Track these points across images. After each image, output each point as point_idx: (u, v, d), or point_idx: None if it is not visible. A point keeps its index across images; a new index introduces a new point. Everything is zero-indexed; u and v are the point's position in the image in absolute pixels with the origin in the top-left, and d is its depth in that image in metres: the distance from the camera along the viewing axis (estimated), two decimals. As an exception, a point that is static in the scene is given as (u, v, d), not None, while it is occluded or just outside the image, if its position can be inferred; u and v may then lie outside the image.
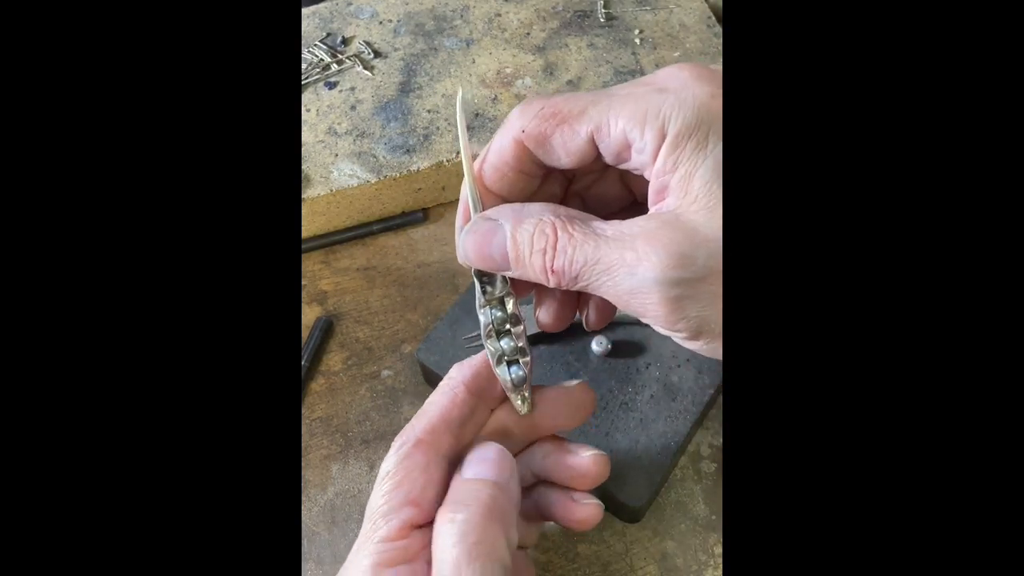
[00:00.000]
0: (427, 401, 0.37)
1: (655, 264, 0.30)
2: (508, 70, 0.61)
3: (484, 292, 0.36)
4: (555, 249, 0.32)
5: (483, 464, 0.34)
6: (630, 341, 0.48)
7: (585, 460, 0.37)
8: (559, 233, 0.32)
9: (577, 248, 0.31)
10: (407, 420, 0.37)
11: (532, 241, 0.32)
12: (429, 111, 0.59)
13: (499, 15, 0.64)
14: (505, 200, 0.36)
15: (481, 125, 0.58)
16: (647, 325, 0.48)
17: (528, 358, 0.36)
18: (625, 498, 0.43)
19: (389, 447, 0.35)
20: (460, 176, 0.57)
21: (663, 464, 0.44)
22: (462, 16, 0.64)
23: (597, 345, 0.47)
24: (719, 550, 0.44)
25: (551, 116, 0.33)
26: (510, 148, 0.34)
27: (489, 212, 0.34)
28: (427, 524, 0.34)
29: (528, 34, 0.63)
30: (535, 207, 0.34)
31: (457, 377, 0.37)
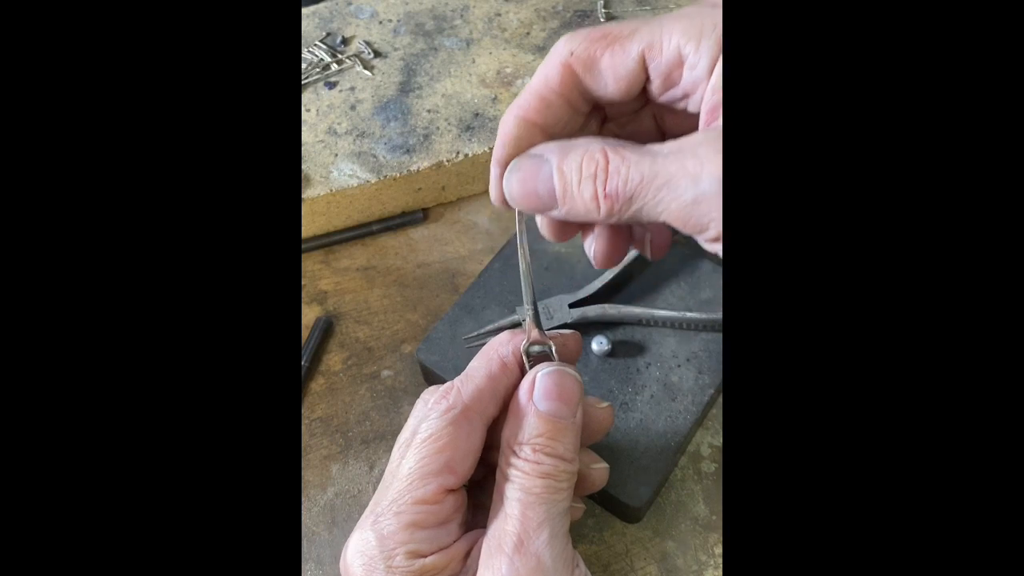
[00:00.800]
0: (472, 366, 0.36)
1: (720, 165, 0.28)
2: (508, 70, 0.61)
3: (529, 358, 0.36)
4: (607, 172, 0.30)
5: (559, 401, 0.34)
6: (630, 341, 0.48)
7: (601, 411, 0.37)
8: (610, 156, 0.30)
9: (632, 167, 0.29)
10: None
11: (581, 168, 0.31)
12: (429, 111, 0.59)
13: (499, 15, 0.64)
14: (549, 136, 0.34)
15: (481, 125, 0.58)
16: (647, 324, 0.48)
17: None
18: (625, 498, 0.43)
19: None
20: (459, 176, 0.57)
21: (663, 464, 0.44)
22: (462, 16, 0.64)
23: (597, 345, 0.47)
24: (719, 550, 0.44)
25: (601, 38, 0.32)
26: (557, 74, 0.33)
27: (533, 149, 0.33)
28: (458, 489, 0.35)
29: (528, 34, 0.63)
30: (581, 140, 0.32)
31: (507, 345, 0.36)
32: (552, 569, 0.32)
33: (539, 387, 0.34)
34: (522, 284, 0.36)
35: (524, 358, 0.36)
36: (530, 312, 0.36)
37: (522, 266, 0.36)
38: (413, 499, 0.33)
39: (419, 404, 0.36)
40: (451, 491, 0.34)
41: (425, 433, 0.34)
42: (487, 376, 0.35)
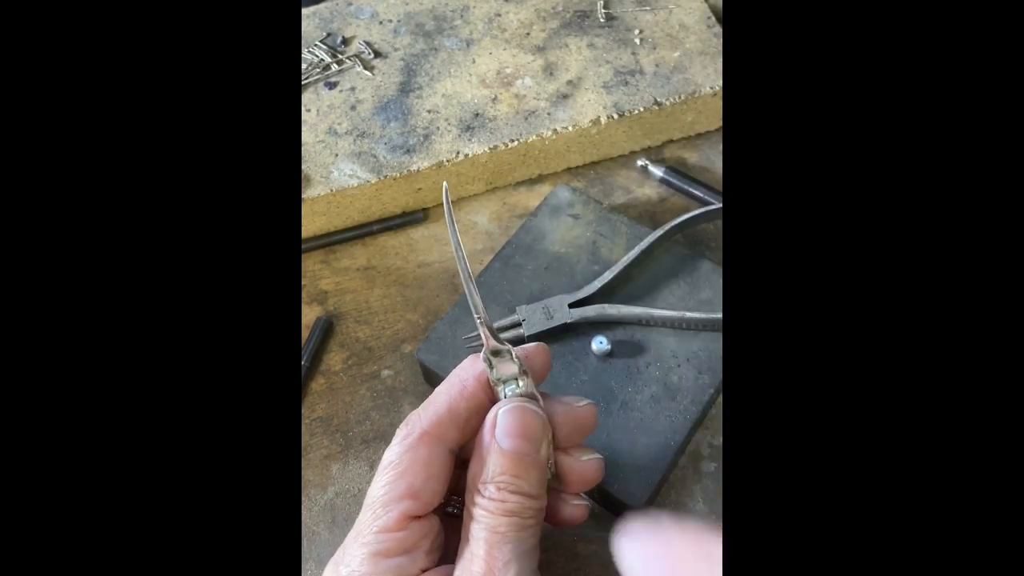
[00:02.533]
0: (435, 391, 0.36)
1: None
2: (508, 70, 0.61)
3: (492, 372, 0.35)
4: None
5: (521, 438, 0.33)
6: (630, 341, 0.48)
7: (585, 464, 0.36)
8: None
9: None
10: None
11: None
12: (429, 111, 0.59)
13: (499, 15, 0.64)
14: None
15: (481, 125, 0.58)
16: (647, 324, 0.48)
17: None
18: (625, 498, 0.43)
19: (389, 447, 0.35)
20: (459, 176, 0.58)
21: (663, 464, 0.44)
22: (462, 16, 0.64)
23: (597, 345, 0.47)
24: (719, 550, 0.44)
25: None
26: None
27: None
28: (425, 516, 0.34)
29: (528, 34, 0.63)
30: None
31: (469, 369, 0.36)
32: None
33: (500, 424, 0.34)
34: (466, 290, 0.35)
35: (487, 366, 0.35)
36: (479, 319, 0.36)
37: (462, 270, 0.35)
38: (376, 528, 0.33)
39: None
40: (416, 518, 0.34)
41: (385, 460, 0.34)
42: (446, 401, 0.35)
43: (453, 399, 0.35)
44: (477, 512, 0.33)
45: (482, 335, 0.35)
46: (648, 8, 0.64)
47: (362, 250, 0.58)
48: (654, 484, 0.44)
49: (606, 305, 0.49)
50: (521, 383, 0.35)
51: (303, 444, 0.49)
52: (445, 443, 0.35)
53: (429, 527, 0.34)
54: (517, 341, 0.44)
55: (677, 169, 0.59)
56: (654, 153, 0.61)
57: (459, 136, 0.57)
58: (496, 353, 0.35)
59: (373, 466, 0.48)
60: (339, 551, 0.34)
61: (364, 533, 0.33)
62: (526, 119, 0.58)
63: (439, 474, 0.34)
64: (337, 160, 0.56)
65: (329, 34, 0.64)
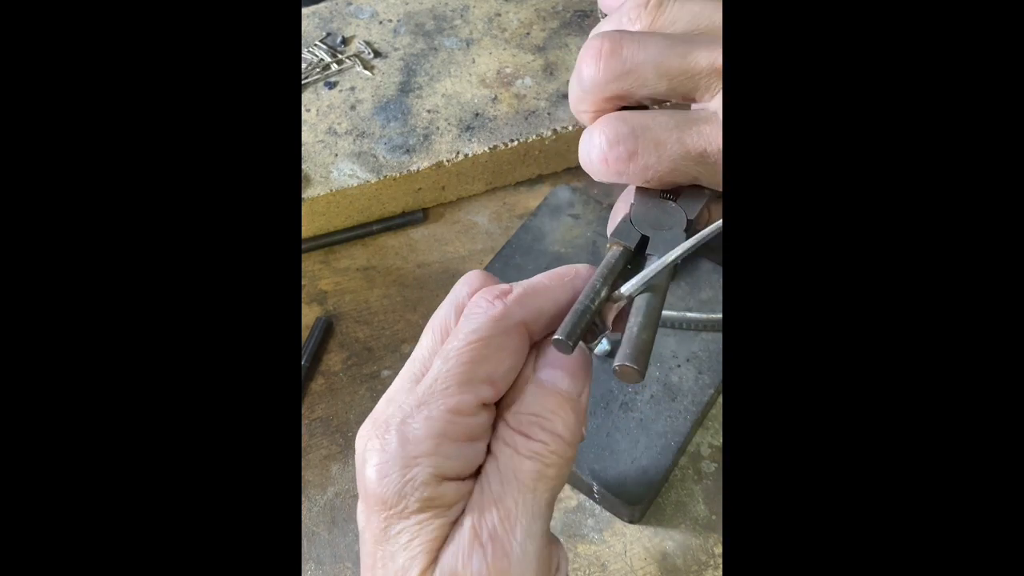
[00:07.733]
0: (540, 282, 0.32)
1: None
2: (508, 70, 0.61)
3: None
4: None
5: (563, 370, 0.31)
6: (630, 341, 0.48)
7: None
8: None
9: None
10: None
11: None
12: (429, 111, 0.59)
13: (499, 15, 0.64)
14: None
15: (481, 125, 0.58)
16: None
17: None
18: (625, 498, 0.43)
19: (471, 315, 0.31)
20: (459, 176, 0.57)
21: (663, 464, 0.44)
22: (462, 16, 0.64)
23: (597, 345, 0.47)
24: (719, 550, 0.44)
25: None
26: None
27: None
28: (491, 406, 0.31)
29: (528, 34, 0.63)
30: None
31: (584, 276, 0.32)
32: (522, 563, 0.29)
33: (544, 355, 0.31)
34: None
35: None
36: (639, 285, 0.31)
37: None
38: (448, 406, 0.29)
39: (461, 287, 0.33)
40: (486, 406, 0.30)
41: (470, 332, 0.30)
42: (552, 302, 0.31)
43: (559, 304, 0.31)
44: (498, 447, 0.30)
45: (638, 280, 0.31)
46: (648, 8, 0.64)
47: (362, 250, 0.58)
48: (654, 484, 0.44)
49: (606, 305, 0.49)
50: (601, 342, 0.32)
51: (303, 444, 0.49)
52: (534, 338, 0.32)
53: (490, 419, 0.31)
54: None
55: (677, 169, 0.59)
56: (654, 153, 0.61)
57: (459, 136, 0.57)
58: (615, 301, 0.31)
59: (373, 466, 0.48)
60: (393, 407, 0.31)
61: (432, 405, 0.30)
62: (526, 119, 0.58)
63: (517, 366, 0.31)
64: (337, 160, 0.56)
65: (329, 34, 0.64)
